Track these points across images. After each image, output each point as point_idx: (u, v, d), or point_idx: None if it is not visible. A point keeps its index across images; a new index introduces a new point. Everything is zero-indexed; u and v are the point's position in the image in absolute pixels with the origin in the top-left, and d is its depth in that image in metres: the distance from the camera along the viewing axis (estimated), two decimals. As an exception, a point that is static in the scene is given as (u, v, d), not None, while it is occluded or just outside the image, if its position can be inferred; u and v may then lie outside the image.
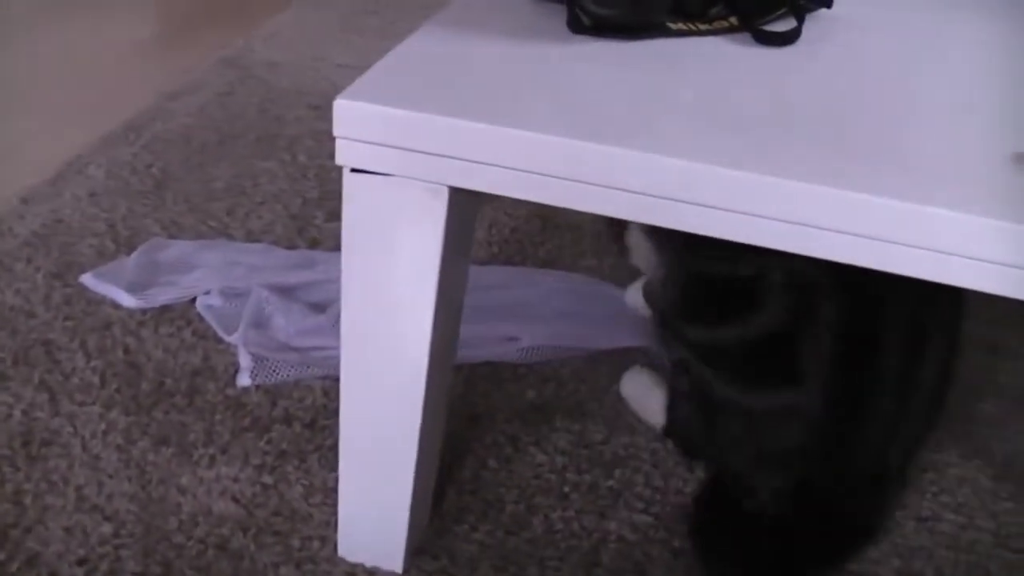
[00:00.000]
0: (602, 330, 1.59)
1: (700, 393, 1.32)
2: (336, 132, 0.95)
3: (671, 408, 1.40)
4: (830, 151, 0.93)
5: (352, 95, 0.94)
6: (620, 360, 1.54)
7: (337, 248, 1.70)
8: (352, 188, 0.99)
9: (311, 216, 1.80)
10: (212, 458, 1.34)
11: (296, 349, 1.49)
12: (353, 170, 0.98)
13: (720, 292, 1.26)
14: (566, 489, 1.34)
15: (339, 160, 0.97)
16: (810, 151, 0.92)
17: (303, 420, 1.40)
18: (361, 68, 0.97)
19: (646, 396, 1.45)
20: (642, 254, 1.48)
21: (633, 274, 1.65)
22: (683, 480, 1.36)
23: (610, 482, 1.36)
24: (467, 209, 1.06)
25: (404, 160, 0.95)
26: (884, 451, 1.26)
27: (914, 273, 0.89)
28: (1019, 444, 1.46)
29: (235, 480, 1.31)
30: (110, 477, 1.31)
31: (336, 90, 0.95)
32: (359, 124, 0.95)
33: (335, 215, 1.79)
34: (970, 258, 0.86)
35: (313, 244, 1.74)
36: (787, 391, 1.23)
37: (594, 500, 1.33)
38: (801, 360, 1.20)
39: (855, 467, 1.25)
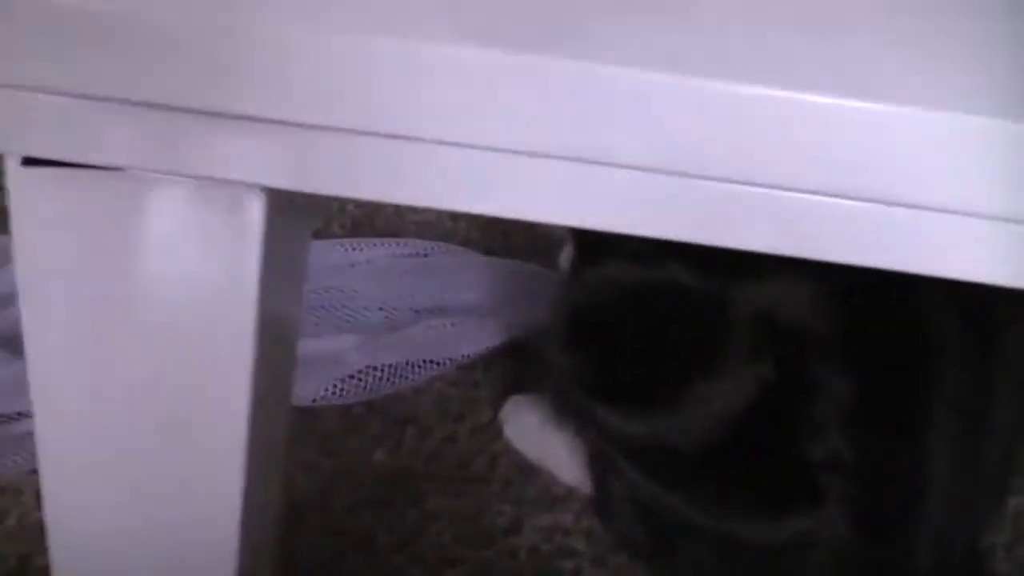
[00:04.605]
0: (466, 323, 1.12)
1: (645, 507, 0.91)
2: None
3: (598, 494, 0.95)
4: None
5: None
6: (508, 365, 1.07)
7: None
8: (29, 198, 0.43)
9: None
10: None
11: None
12: (26, 162, 0.41)
13: (648, 340, 0.85)
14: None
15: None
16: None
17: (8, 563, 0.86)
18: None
19: (540, 441, 0.99)
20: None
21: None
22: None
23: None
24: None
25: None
26: (946, 554, 0.90)
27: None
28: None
29: None
30: None
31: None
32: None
33: None
34: None
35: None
36: (793, 516, 0.85)
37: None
38: (808, 465, 0.82)
39: None
